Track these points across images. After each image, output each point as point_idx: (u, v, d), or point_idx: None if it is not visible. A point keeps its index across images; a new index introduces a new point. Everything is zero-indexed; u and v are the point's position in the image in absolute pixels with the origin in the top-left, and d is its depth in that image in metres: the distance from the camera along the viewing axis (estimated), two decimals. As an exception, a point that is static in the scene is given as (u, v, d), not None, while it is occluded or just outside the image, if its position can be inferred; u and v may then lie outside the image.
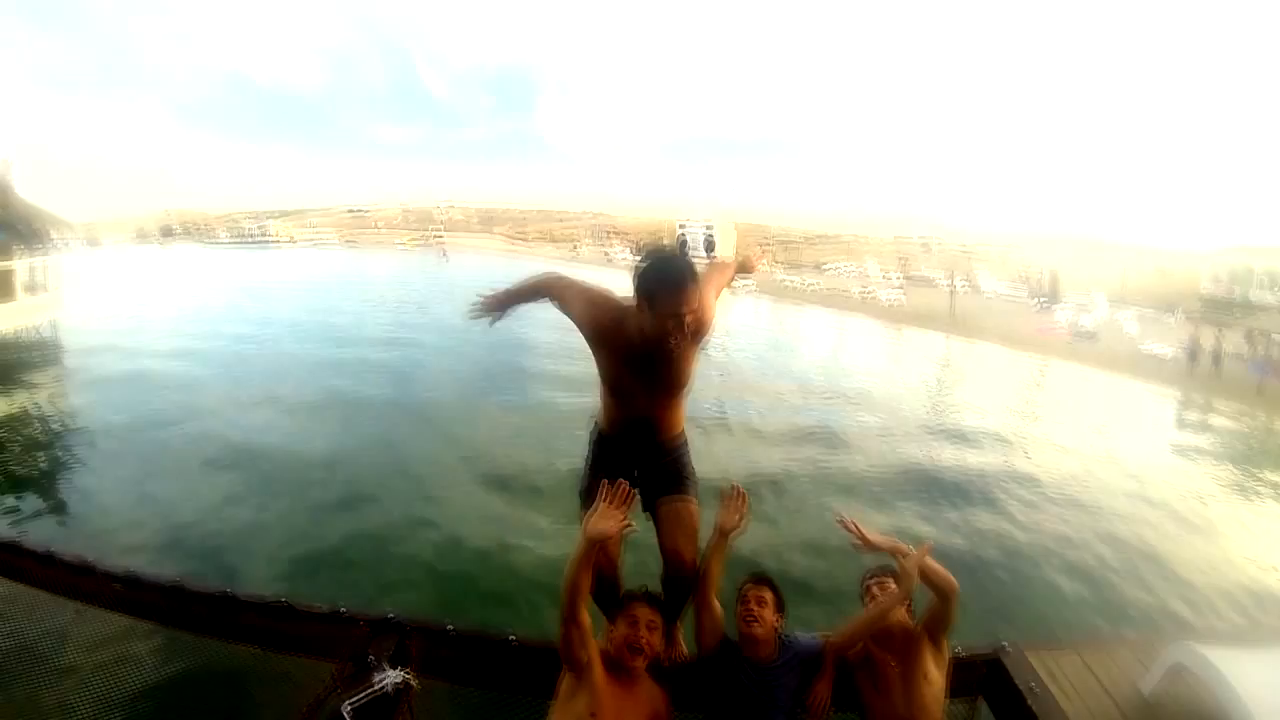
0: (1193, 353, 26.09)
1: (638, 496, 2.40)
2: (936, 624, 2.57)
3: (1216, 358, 25.52)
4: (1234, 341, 27.41)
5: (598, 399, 2.85)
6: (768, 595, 2.65)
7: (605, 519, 2.23)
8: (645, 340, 2.44)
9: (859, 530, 2.60)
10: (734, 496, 2.68)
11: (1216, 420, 19.78)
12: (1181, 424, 19.31)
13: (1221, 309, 41.40)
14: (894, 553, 2.56)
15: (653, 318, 2.35)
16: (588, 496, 2.56)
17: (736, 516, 2.66)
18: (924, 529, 8.89)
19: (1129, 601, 7.63)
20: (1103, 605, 7.46)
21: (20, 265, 16.94)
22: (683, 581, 2.67)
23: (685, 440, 2.86)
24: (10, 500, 8.39)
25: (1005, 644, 3.12)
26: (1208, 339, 26.37)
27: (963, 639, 2.86)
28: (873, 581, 2.76)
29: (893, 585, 2.67)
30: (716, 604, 2.67)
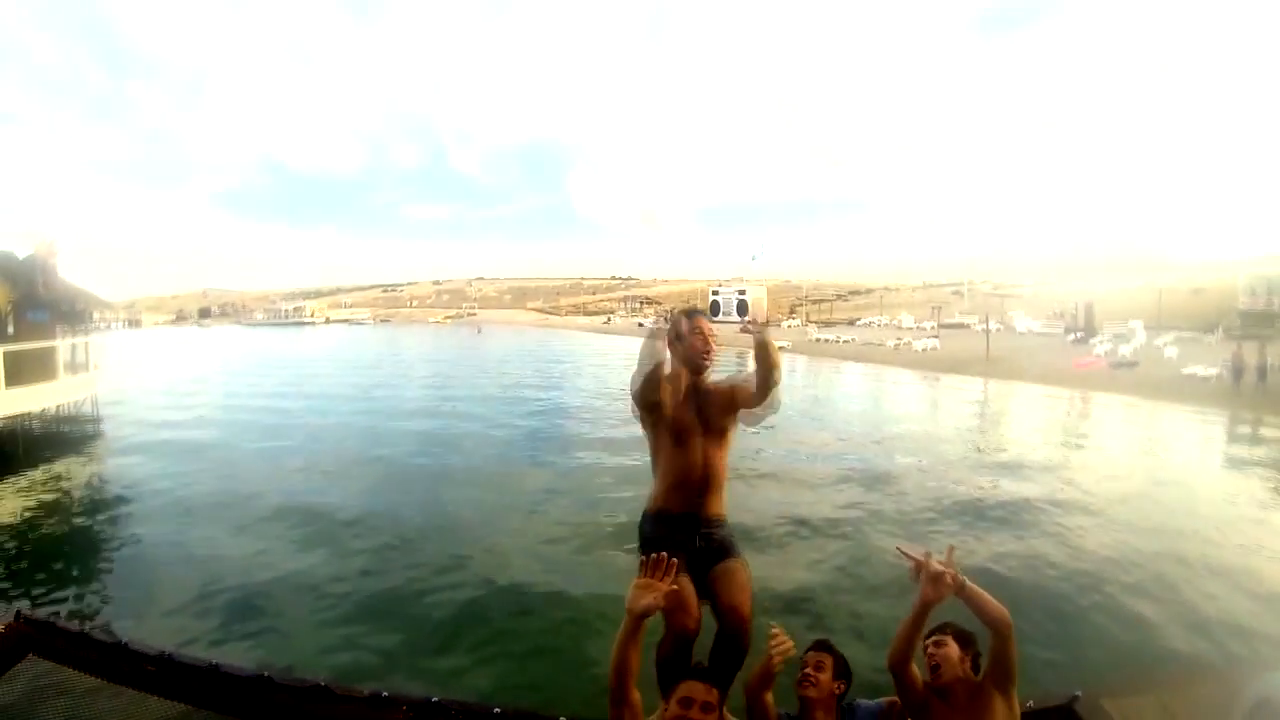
0: (1237, 370, 25.36)
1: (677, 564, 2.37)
2: (999, 670, 2.43)
3: (1261, 372, 24.76)
4: (1278, 354, 26.58)
5: (650, 491, 3.02)
6: (826, 660, 2.62)
7: (647, 592, 2.20)
8: (681, 386, 2.98)
9: (910, 555, 2.54)
10: (773, 639, 2.55)
11: (1267, 433, 19.15)
12: (1232, 441, 18.65)
13: (1262, 322, 40.48)
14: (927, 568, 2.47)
15: (683, 346, 2.99)
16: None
17: (776, 657, 2.54)
18: (975, 561, 8.64)
19: (1204, 624, 7.12)
20: (1175, 631, 6.97)
21: (63, 345, 17.49)
22: (739, 640, 2.67)
23: (729, 525, 2.97)
24: (52, 573, 8.56)
25: (1078, 692, 2.92)
26: (1251, 354, 25.63)
27: (1029, 687, 2.74)
28: (930, 640, 2.62)
29: (951, 643, 2.56)
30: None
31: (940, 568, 2.42)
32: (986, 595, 2.40)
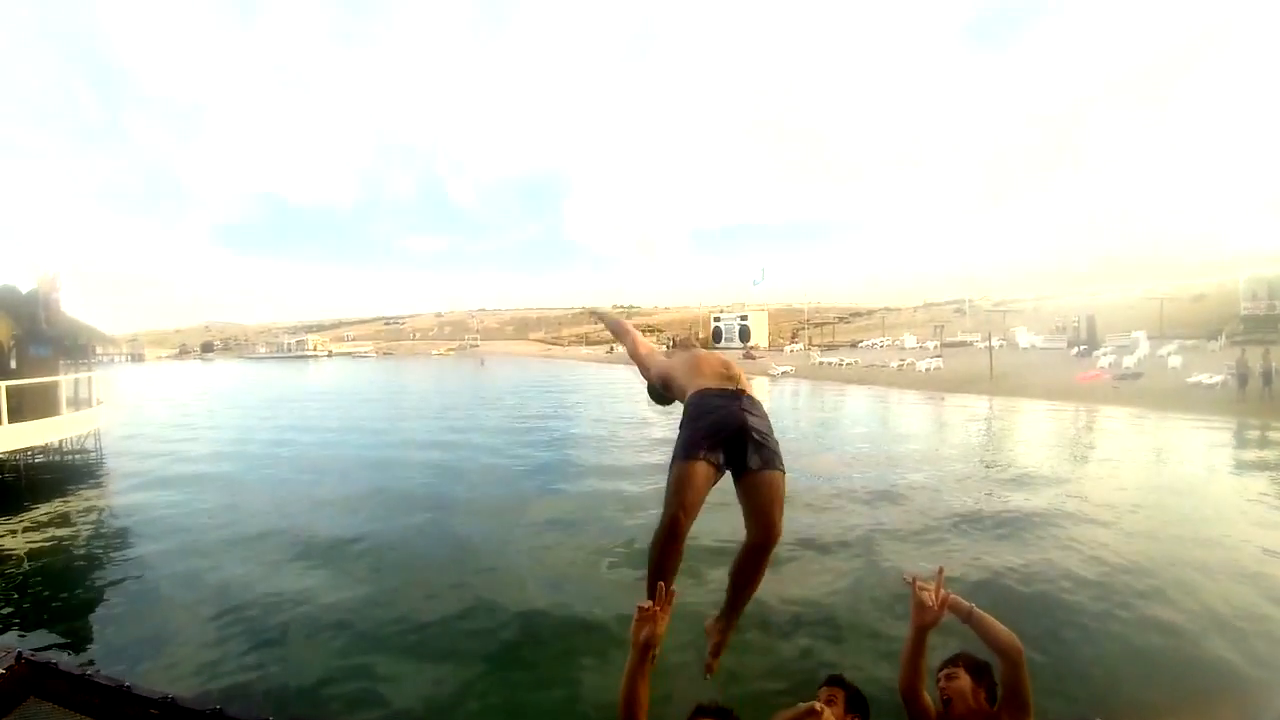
0: (1242, 376, 25.31)
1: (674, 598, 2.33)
2: (1013, 698, 2.38)
3: (1267, 377, 24.65)
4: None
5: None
6: (838, 694, 2.59)
7: (647, 623, 2.16)
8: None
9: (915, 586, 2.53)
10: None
11: (1276, 436, 19.18)
12: (1241, 446, 18.55)
13: (1265, 326, 40.48)
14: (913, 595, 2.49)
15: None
16: (684, 451, 2.62)
17: None
18: (986, 576, 8.58)
19: (1224, 631, 6.96)
20: (1197, 640, 6.81)
21: (65, 380, 17.49)
22: (764, 550, 2.63)
23: (763, 410, 2.95)
24: (55, 612, 8.45)
25: (1097, 719, 2.88)
26: (1255, 360, 25.54)
27: (1045, 715, 2.68)
28: (942, 673, 2.61)
29: (963, 674, 2.53)
30: None
31: (927, 596, 2.42)
32: (996, 622, 2.38)
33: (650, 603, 2.20)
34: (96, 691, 3.11)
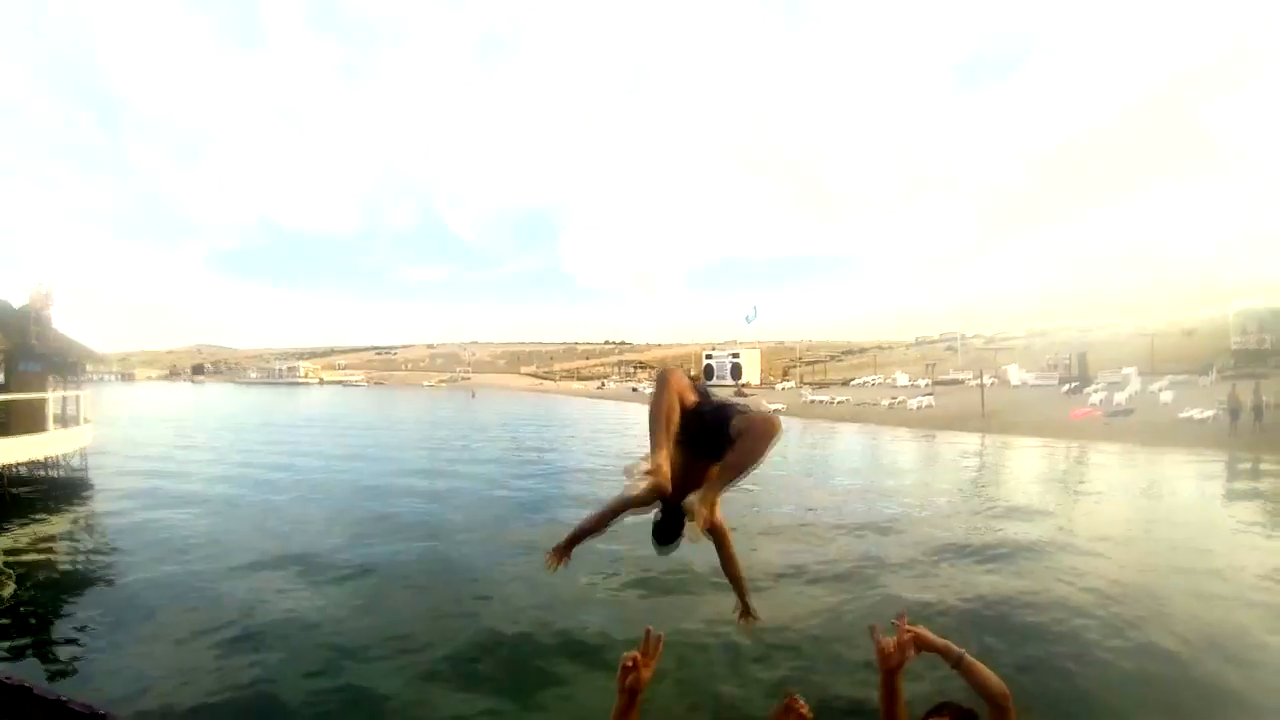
0: (1233, 411, 25.45)
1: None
2: None
3: (1258, 411, 24.89)
4: (1274, 391, 26.80)
5: None
6: None
7: (634, 671, 2.13)
8: None
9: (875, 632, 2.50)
10: None
11: (1267, 467, 19.31)
12: (1233, 479, 18.65)
13: (1255, 360, 40.83)
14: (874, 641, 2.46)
15: None
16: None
17: None
18: (978, 607, 8.53)
19: (1218, 655, 6.97)
20: (1188, 666, 6.81)
21: (53, 398, 17.27)
22: (749, 465, 2.57)
23: None
24: (31, 632, 8.26)
25: None
26: (1246, 394, 25.76)
27: None
28: None
29: None
30: None
31: (887, 642, 2.40)
32: (985, 668, 2.32)
33: (635, 654, 2.17)
34: (71, 718, 3.03)
